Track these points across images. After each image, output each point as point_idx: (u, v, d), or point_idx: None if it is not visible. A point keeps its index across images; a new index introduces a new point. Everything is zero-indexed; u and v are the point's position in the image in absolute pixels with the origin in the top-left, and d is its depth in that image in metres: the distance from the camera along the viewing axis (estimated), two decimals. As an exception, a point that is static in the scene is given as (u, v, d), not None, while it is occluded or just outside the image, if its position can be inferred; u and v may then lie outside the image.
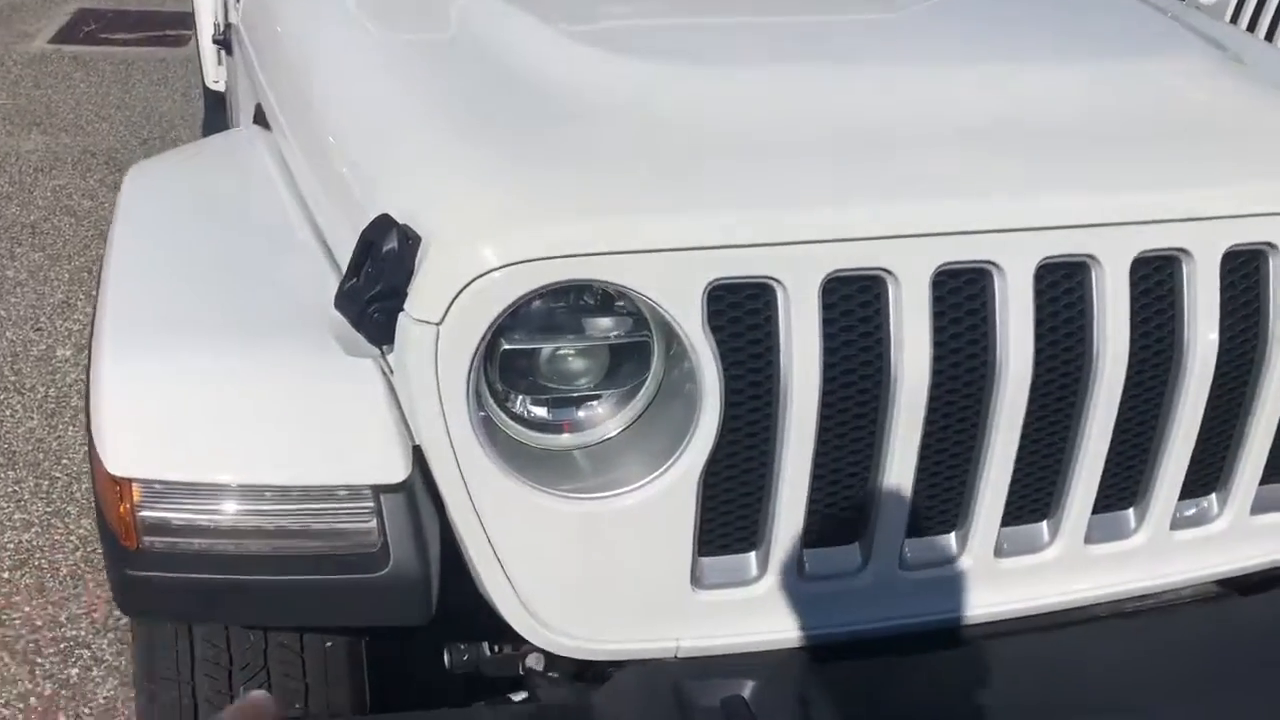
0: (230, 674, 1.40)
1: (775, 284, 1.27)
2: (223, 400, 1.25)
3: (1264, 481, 1.59)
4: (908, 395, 1.32)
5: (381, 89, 1.53)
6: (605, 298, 1.30)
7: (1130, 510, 1.54)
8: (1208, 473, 1.56)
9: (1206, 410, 1.49)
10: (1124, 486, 1.52)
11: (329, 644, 1.47)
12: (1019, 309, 1.34)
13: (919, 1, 1.90)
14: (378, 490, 1.23)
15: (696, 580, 1.38)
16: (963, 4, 1.91)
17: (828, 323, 1.30)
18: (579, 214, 1.24)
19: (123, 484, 1.19)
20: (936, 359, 1.33)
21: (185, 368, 1.27)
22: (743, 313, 1.28)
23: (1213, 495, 1.58)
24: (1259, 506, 1.60)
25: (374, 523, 1.23)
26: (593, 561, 1.33)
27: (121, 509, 1.20)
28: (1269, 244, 1.44)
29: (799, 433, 1.31)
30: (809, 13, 1.78)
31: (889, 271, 1.30)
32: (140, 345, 1.30)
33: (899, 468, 1.37)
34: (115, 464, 1.20)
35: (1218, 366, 1.45)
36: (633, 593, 1.36)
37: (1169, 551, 1.56)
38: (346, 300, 1.25)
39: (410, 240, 1.24)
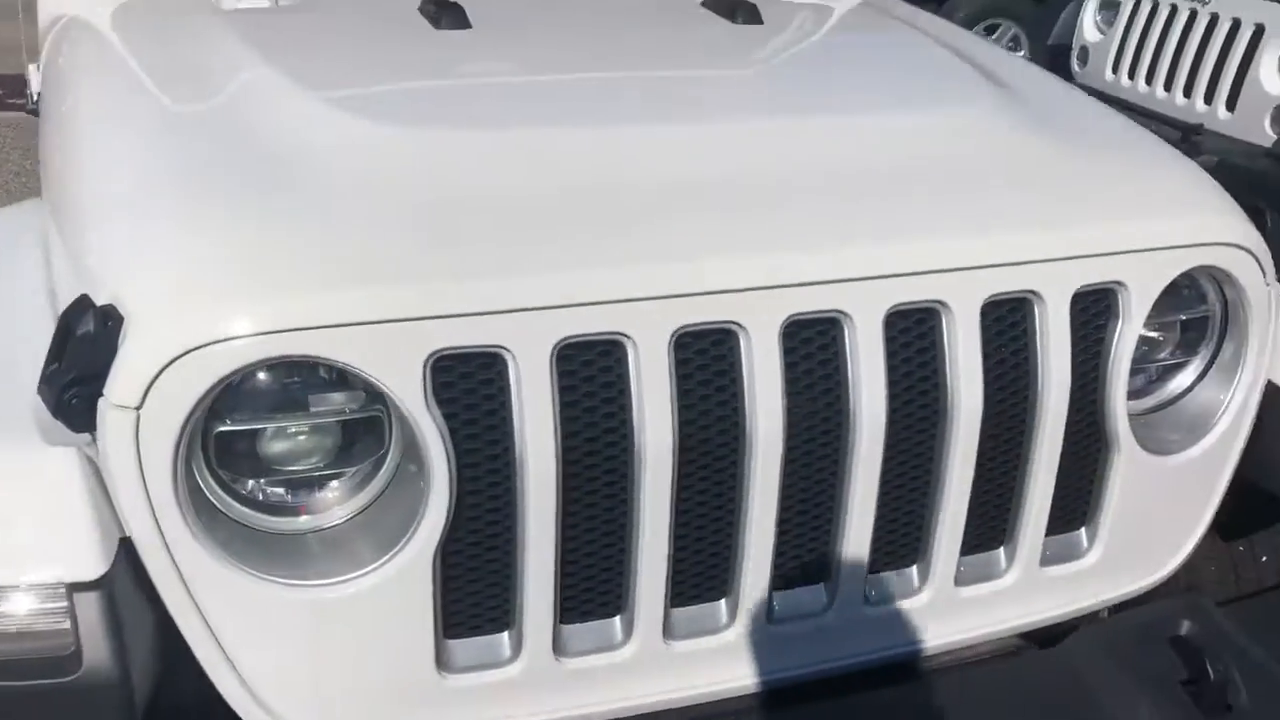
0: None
1: (505, 353, 1.22)
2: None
3: (1052, 532, 1.57)
4: (652, 460, 1.28)
5: (115, 161, 1.46)
6: (337, 372, 1.24)
7: (913, 568, 1.50)
8: (992, 527, 1.53)
9: (985, 463, 1.46)
10: (905, 544, 1.48)
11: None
12: (767, 368, 1.30)
13: (712, 58, 1.87)
14: (71, 588, 1.16)
15: (444, 665, 1.31)
16: (753, 61, 1.88)
17: (565, 390, 1.25)
18: (287, 289, 1.18)
19: None
20: (682, 422, 1.29)
21: None
22: (475, 383, 1.23)
23: (1000, 549, 1.55)
24: (1049, 559, 1.57)
25: (68, 623, 1.16)
26: (327, 651, 1.27)
27: None
28: (1032, 292, 1.42)
29: (539, 506, 1.26)
30: (585, 70, 1.74)
31: (626, 335, 1.26)
32: None
33: (651, 537, 1.31)
34: None
35: (986, 419, 1.42)
36: (373, 682, 1.29)
37: (957, 607, 1.52)
38: (46, 386, 1.18)
39: (111, 322, 1.17)
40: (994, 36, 6.97)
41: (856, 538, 1.41)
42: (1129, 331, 1.47)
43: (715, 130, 1.52)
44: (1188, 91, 4.48)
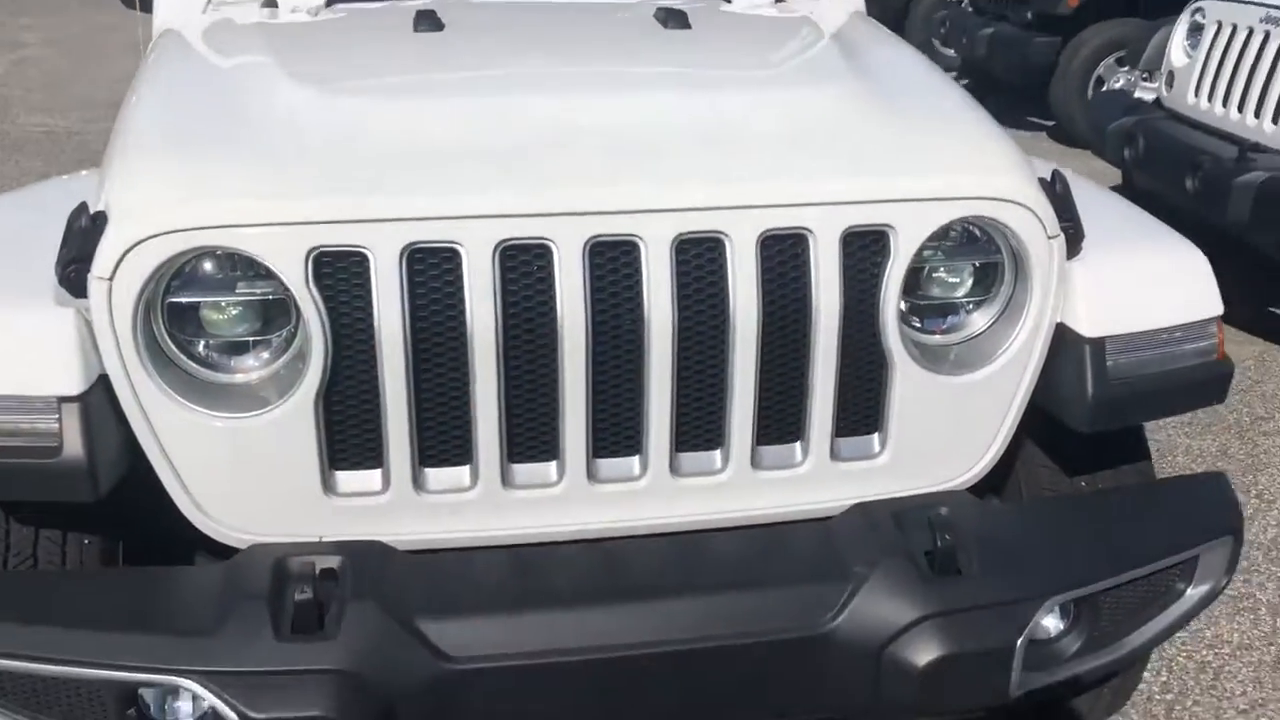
0: (5, 559, 1.85)
1: (366, 251, 1.68)
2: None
3: (846, 434, 1.91)
4: (480, 345, 1.70)
5: (137, 116, 2.01)
6: (260, 266, 1.72)
7: (716, 451, 1.87)
8: (788, 424, 1.87)
9: (772, 369, 1.82)
10: (708, 430, 1.85)
11: (87, 541, 1.91)
12: (573, 280, 1.70)
13: (627, 50, 2.30)
14: (59, 400, 1.68)
15: (329, 488, 1.77)
16: (661, 53, 2.29)
17: (415, 283, 1.69)
18: (213, 198, 1.67)
19: None
20: (505, 318, 1.71)
21: None
22: (346, 274, 1.69)
23: (796, 443, 1.89)
24: (843, 455, 1.91)
25: (55, 424, 1.68)
26: (244, 469, 1.74)
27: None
28: (807, 229, 1.77)
29: (393, 371, 1.70)
30: (509, 57, 2.20)
31: (459, 245, 1.69)
32: None
33: (484, 402, 1.74)
34: None
35: (768, 332, 1.78)
36: (276, 495, 1.76)
37: (755, 487, 1.87)
38: (57, 265, 1.71)
39: (98, 221, 1.70)
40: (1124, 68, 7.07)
41: (658, 419, 1.79)
42: (896, 268, 1.81)
43: (587, 100, 1.94)
44: (1257, 112, 4.58)
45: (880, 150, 1.87)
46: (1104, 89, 7.17)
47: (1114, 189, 6.35)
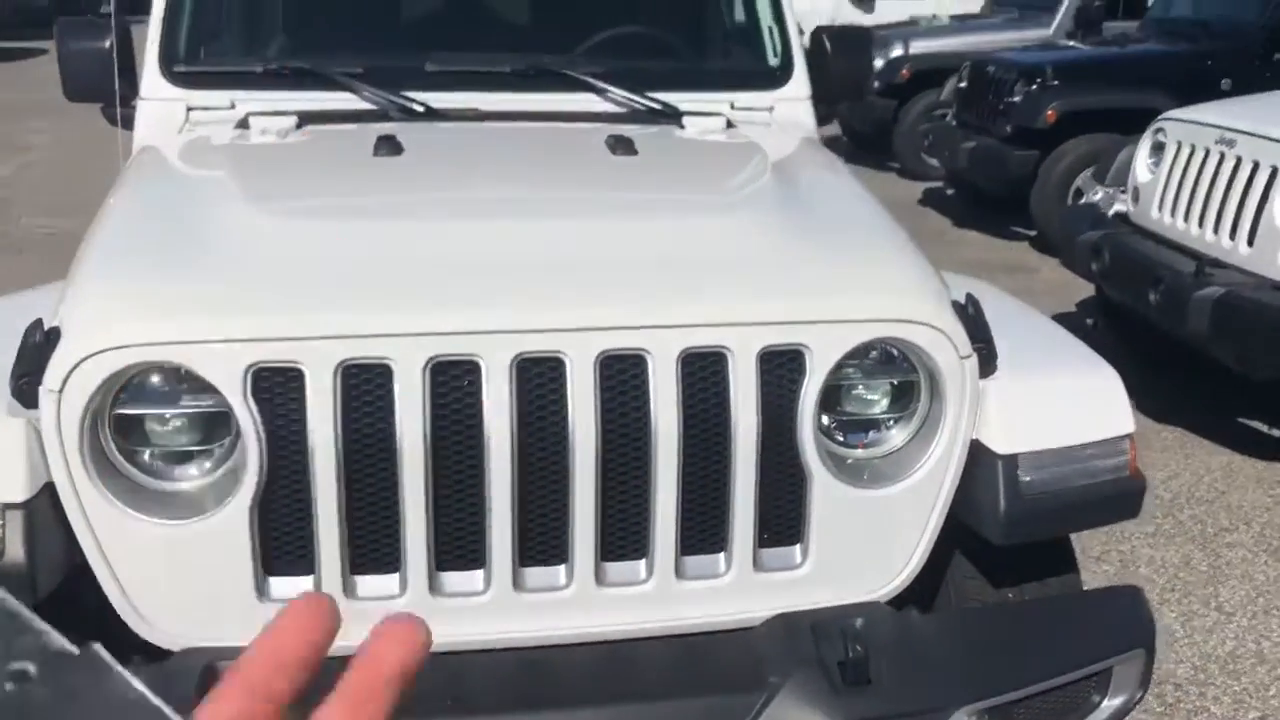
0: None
1: (301, 368, 1.77)
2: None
3: (770, 545, 1.97)
4: (409, 458, 1.78)
5: (100, 232, 2.12)
6: (201, 380, 1.81)
7: (641, 561, 1.93)
8: (712, 535, 1.94)
9: (694, 482, 1.89)
10: (633, 541, 1.91)
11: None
12: (500, 395, 1.79)
13: (572, 178, 2.43)
14: (3, 507, 1.75)
15: (263, 594, 1.84)
16: (600, 179, 2.42)
17: (350, 398, 1.78)
18: (158, 315, 1.77)
19: None
20: (435, 432, 1.79)
21: None
22: (282, 389, 1.78)
23: (720, 554, 1.96)
24: (766, 566, 1.97)
25: (1, 528, 1.75)
26: (178, 573, 1.81)
27: None
28: (726, 348, 1.87)
29: (325, 483, 1.78)
30: (461, 181, 2.32)
31: (393, 361, 1.78)
32: None
33: (413, 513, 1.81)
34: None
35: (689, 446, 1.86)
36: (210, 600, 1.83)
37: (679, 596, 1.93)
38: (10, 377, 1.80)
39: (50, 336, 1.79)
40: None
41: (583, 529, 1.87)
42: (812, 386, 1.89)
43: (525, 224, 2.06)
44: (1215, 228, 4.71)
45: (797, 274, 1.97)
46: (1082, 200, 7.35)
47: (1088, 299, 6.51)
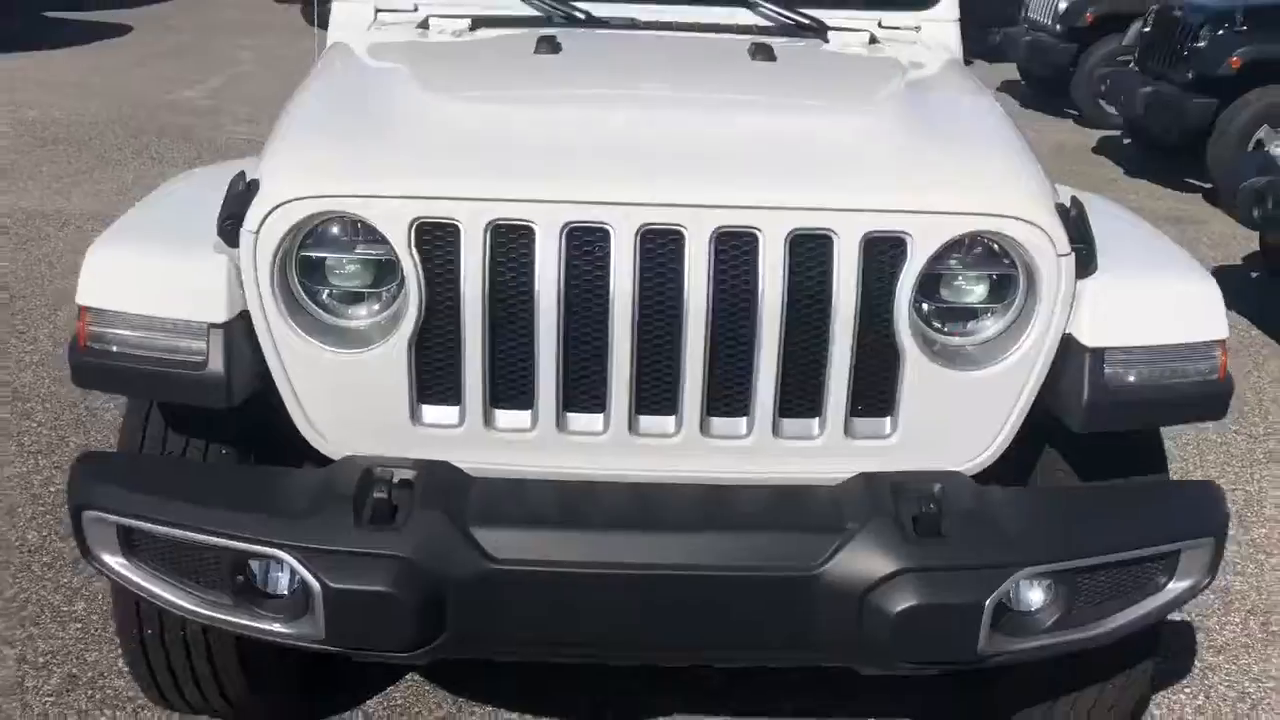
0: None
1: (457, 224, 2.04)
2: (143, 271, 2.17)
3: (863, 415, 2.17)
4: (544, 309, 2.04)
5: (299, 105, 2.44)
6: (371, 231, 2.10)
7: (743, 418, 2.15)
8: (809, 401, 2.15)
9: (794, 352, 2.10)
10: (736, 400, 2.14)
11: (224, 452, 2.32)
12: (625, 260, 2.03)
13: (716, 76, 2.65)
14: (208, 326, 2.10)
15: (416, 418, 2.14)
16: (743, 78, 2.62)
17: (497, 253, 2.05)
18: (338, 173, 2.07)
19: (81, 309, 2.14)
20: (568, 289, 2.04)
21: (135, 256, 2.21)
22: (442, 242, 2.06)
23: (816, 419, 2.16)
24: (857, 433, 2.17)
25: (204, 344, 2.10)
26: (346, 395, 2.13)
27: (79, 323, 2.15)
28: (832, 231, 2.05)
29: (473, 325, 2.06)
30: (612, 77, 2.55)
31: (534, 223, 2.04)
32: (119, 241, 2.26)
33: (545, 357, 2.08)
34: (81, 297, 2.15)
35: (791, 319, 2.07)
36: (373, 419, 2.14)
37: (776, 453, 2.15)
38: (218, 221, 2.14)
39: (251, 186, 2.12)
40: None
41: (691, 385, 2.10)
42: (910, 271, 2.07)
43: (660, 113, 2.29)
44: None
45: (904, 167, 2.14)
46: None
47: (1253, 253, 6.33)
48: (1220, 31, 7.48)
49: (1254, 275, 6.23)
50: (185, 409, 2.23)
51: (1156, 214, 7.47)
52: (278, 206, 2.05)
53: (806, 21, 3.07)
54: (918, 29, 3.21)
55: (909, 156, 2.18)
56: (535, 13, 3.06)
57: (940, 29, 3.22)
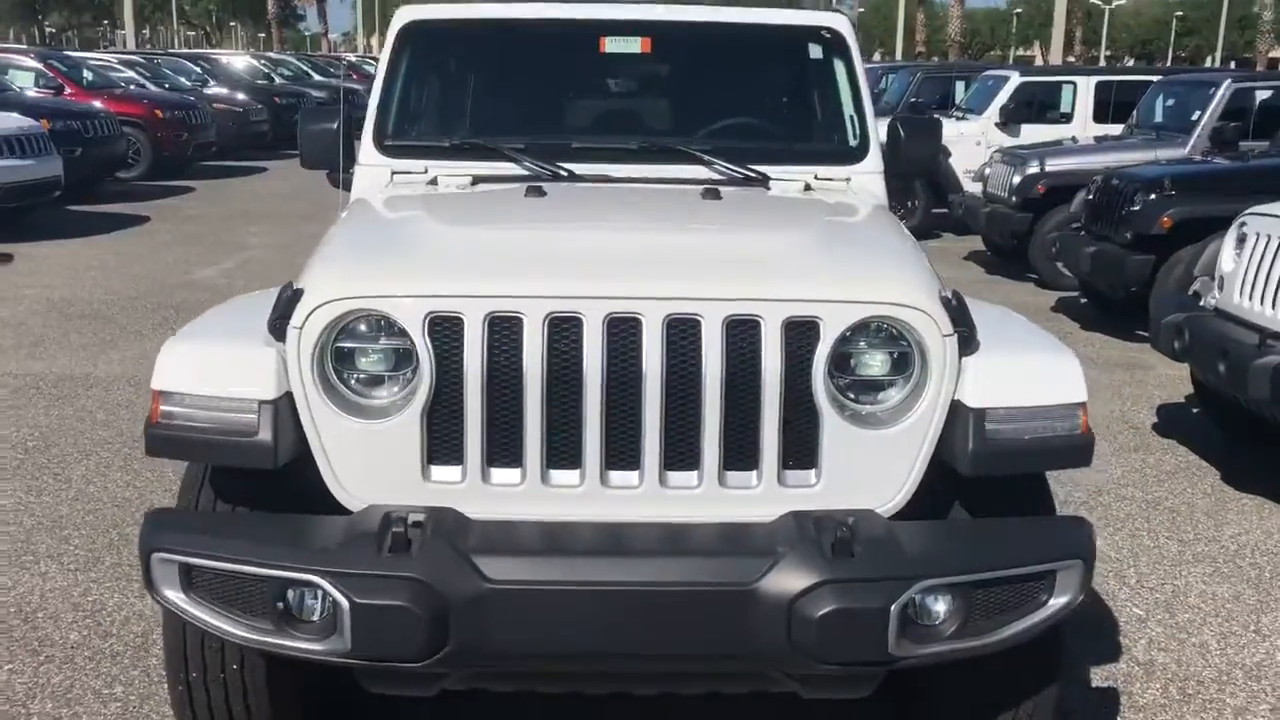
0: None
1: (461, 316, 2.56)
2: (207, 361, 2.68)
3: (792, 467, 2.64)
4: (530, 384, 2.54)
5: (329, 237, 3.01)
6: (392, 326, 2.62)
7: (694, 471, 2.62)
8: (746, 457, 2.62)
9: (733, 416, 2.58)
10: (687, 456, 2.61)
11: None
12: (594, 342, 2.54)
13: (669, 211, 3.23)
14: (259, 403, 2.59)
15: (426, 476, 2.61)
16: (692, 213, 3.20)
17: (492, 340, 2.56)
18: (367, 279, 2.61)
19: (155, 393, 2.64)
20: (550, 366, 2.55)
21: (199, 350, 2.73)
22: (448, 331, 2.57)
23: (753, 471, 2.63)
24: (788, 483, 2.63)
25: (255, 417, 2.58)
26: (368, 457, 2.61)
27: (153, 405, 2.64)
28: (759, 317, 2.57)
29: (473, 396, 2.55)
30: (590, 212, 3.14)
31: (522, 315, 2.56)
32: (187, 338, 2.78)
33: (531, 425, 2.56)
34: (155, 383, 2.65)
35: (729, 389, 2.56)
36: (392, 478, 2.61)
37: (722, 499, 2.61)
38: (269, 321, 2.66)
39: (295, 292, 2.65)
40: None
41: (651, 445, 2.58)
42: (823, 348, 2.57)
43: (622, 231, 2.85)
44: (1275, 304, 5.16)
45: (817, 267, 2.69)
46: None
47: (1192, 394, 6.86)
48: (1152, 196, 8.23)
49: (1194, 411, 6.75)
50: (233, 474, 2.70)
51: (1110, 361, 8.07)
52: (319, 306, 2.58)
53: (753, 175, 3.68)
54: (848, 180, 3.82)
55: (821, 260, 2.73)
56: (525, 172, 3.67)
57: (867, 179, 3.84)
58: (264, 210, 14.64)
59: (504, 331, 2.57)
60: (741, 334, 2.58)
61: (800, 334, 2.59)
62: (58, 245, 11.69)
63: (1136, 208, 8.28)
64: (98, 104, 16.18)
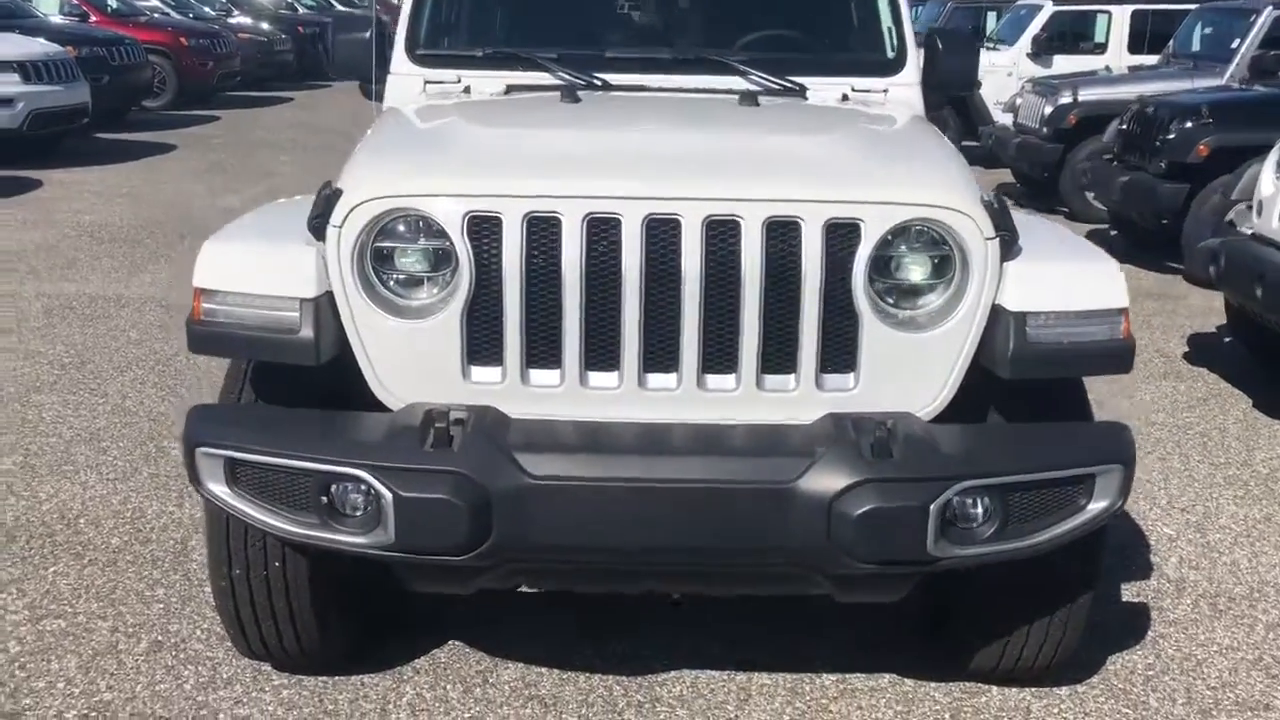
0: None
1: (500, 216, 2.56)
2: (248, 260, 2.69)
3: (826, 371, 2.63)
4: (569, 285, 2.54)
5: (364, 139, 3.00)
6: (431, 226, 2.61)
7: (732, 374, 2.62)
8: (785, 360, 2.62)
9: (772, 319, 2.57)
10: (725, 359, 2.61)
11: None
12: (633, 244, 2.53)
13: (707, 113, 3.21)
14: (300, 300, 2.60)
15: (465, 376, 2.62)
16: (730, 115, 3.18)
17: (531, 240, 2.56)
18: (407, 177, 2.60)
19: (197, 290, 2.66)
20: (588, 267, 2.54)
21: (240, 248, 2.74)
22: (488, 231, 2.57)
23: (791, 375, 2.63)
24: (825, 386, 2.63)
25: (297, 315, 2.59)
26: (408, 356, 2.62)
27: (194, 302, 2.66)
28: (800, 218, 2.55)
29: (512, 297, 2.56)
30: (626, 115, 3.12)
31: (560, 215, 2.55)
32: (228, 238, 2.78)
33: (570, 325, 2.56)
34: (196, 280, 2.67)
35: (769, 291, 2.55)
36: (431, 376, 2.62)
37: (759, 402, 2.62)
38: (309, 220, 2.66)
39: (336, 191, 2.65)
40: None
41: (689, 347, 2.58)
42: (864, 250, 2.56)
43: (663, 132, 2.84)
44: (1324, 231, 5.09)
45: (859, 169, 2.67)
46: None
47: (1224, 323, 6.81)
48: (1189, 123, 8.09)
49: (1226, 340, 6.69)
50: (274, 371, 2.72)
51: (1140, 291, 7.99)
52: (358, 205, 2.58)
53: (790, 85, 3.64)
54: (885, 92, 3.77)
55: (863, 163, 2.71)
56: (558, 82, 3.64)
57: (904, 91, 3.78)
58: (290, 139, 14.59)
59: (543, 232, 2.56)
60: (781, 236, 2.57)
61: (841, 236, 2.58)
62: (86, 172, 11.70)
63: (1172, 136, 8.15)
64: (123, 32, 16.10)
